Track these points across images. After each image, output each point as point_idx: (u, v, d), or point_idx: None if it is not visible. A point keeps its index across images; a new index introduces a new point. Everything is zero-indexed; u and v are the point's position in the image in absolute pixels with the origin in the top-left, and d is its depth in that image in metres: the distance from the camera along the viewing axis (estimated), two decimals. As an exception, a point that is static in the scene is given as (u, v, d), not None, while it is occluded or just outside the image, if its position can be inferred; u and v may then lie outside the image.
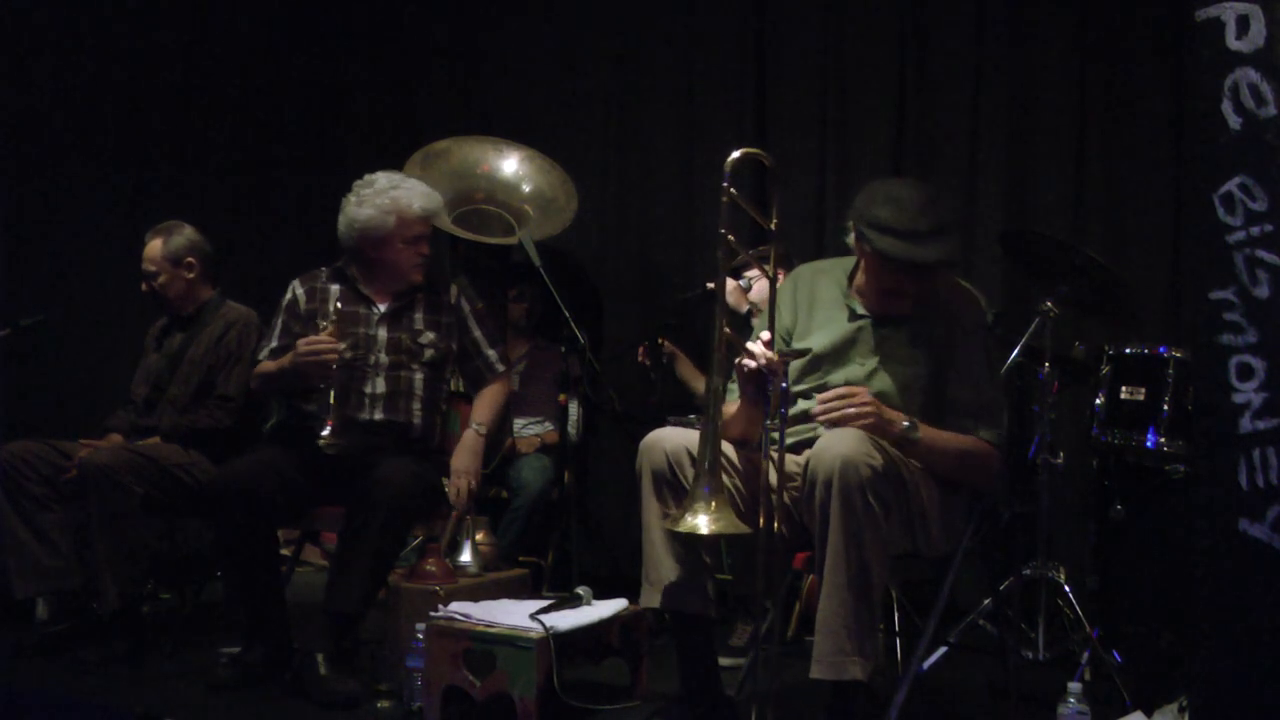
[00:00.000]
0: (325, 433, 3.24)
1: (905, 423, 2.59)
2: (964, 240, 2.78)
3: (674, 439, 2.66)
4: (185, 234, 3.89)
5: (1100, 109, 4.37)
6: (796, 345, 2.84)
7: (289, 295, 3.59)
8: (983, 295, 2.87)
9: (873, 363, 2.75)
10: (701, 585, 2.66)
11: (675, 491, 2.62)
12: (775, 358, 2.54)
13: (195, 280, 3.88)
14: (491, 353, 3.64)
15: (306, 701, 3.05)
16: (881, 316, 2.78)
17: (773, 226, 2.66)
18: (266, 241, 5.51)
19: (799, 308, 2.90)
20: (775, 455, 2.53)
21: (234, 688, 3.18)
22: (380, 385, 3.45)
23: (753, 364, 2.55)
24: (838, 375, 2.77)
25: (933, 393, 2.73)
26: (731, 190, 2.55)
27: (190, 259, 3.87)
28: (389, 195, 3.49)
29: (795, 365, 2.82)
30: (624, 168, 5.21)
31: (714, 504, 2.41)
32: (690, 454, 2.60)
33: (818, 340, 2.82)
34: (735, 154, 2.58)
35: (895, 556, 2.61)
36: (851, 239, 2.75)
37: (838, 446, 2.45)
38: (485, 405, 3.60)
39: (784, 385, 2.55)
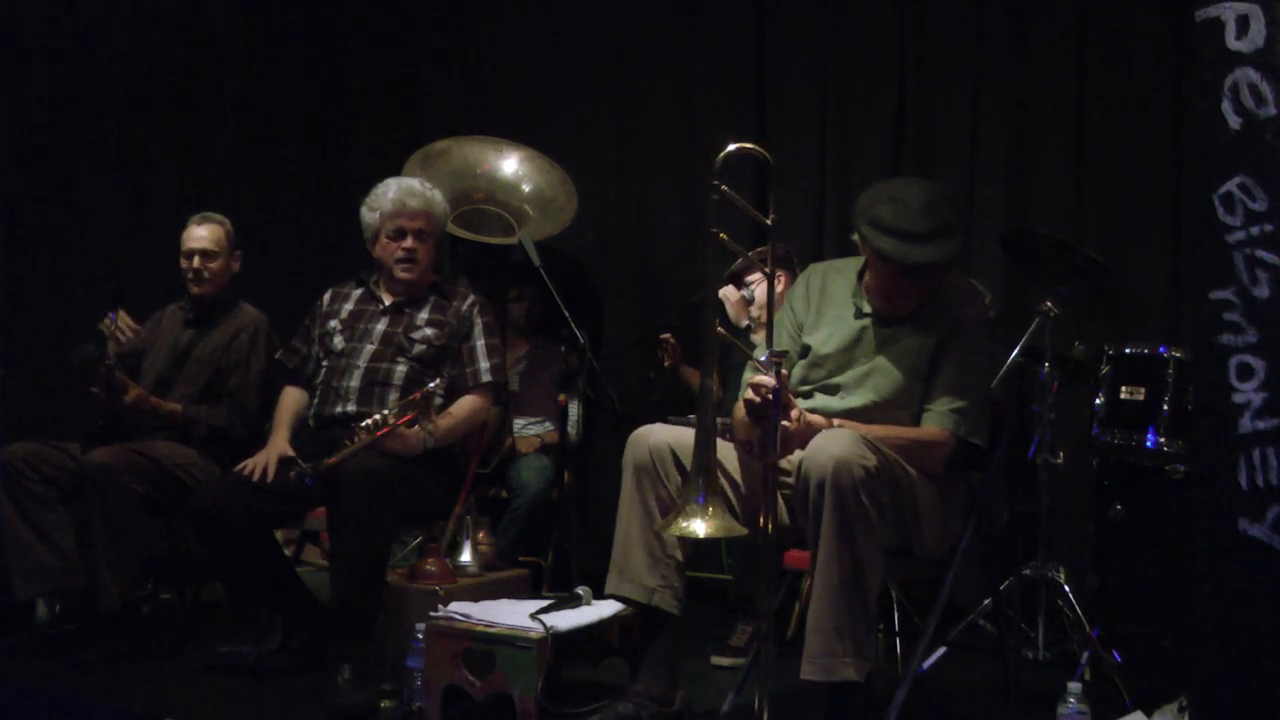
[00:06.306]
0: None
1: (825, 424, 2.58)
2: (965, 241, 2.73)
3: (660, 435, 2.66)
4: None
5: (1100, 109, 4.37)
6: (805, 340, 2.83)
7: (320, 300, 3.68)
8: (989, 292, 2.84)
9: (872, 362, 2.75)
10: (671, 583, 2.67)
11: (655, 485, 2.64)
12: (774, 384, 2.44)
13: (237, 274, 3.93)
14: (485, 364, 3.51)
15: (312, 705, 3.03)
16: (886, 316, 2.77)
17: (770, 222, 2.58)
18: (267, 242, 5.50)
19: (810, 303, 2.89)
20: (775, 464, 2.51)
21: (268, 680, 3.23)
22: (357, 379, 3.45)
23: (756, 398, 2.48)
24: (842, 376, 2.77)
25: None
26: (723, 187, 2.45)
27: (239, 251, 3.93)
28: (377, 192, 3.61)
29: (800, 363, 2.82)
30: (624, 168, 5.21)
31: (710, 507, 2.38)
32: (674, 451, 2.62)
33: (823, 338, 2.81)
34: (730, 148, 2.48)
35: (890, 554, 2.60)
36: (857, 237, 2.75)
37: (831, 447, 2.44)
38: (450, 414, 3.40)
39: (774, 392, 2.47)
